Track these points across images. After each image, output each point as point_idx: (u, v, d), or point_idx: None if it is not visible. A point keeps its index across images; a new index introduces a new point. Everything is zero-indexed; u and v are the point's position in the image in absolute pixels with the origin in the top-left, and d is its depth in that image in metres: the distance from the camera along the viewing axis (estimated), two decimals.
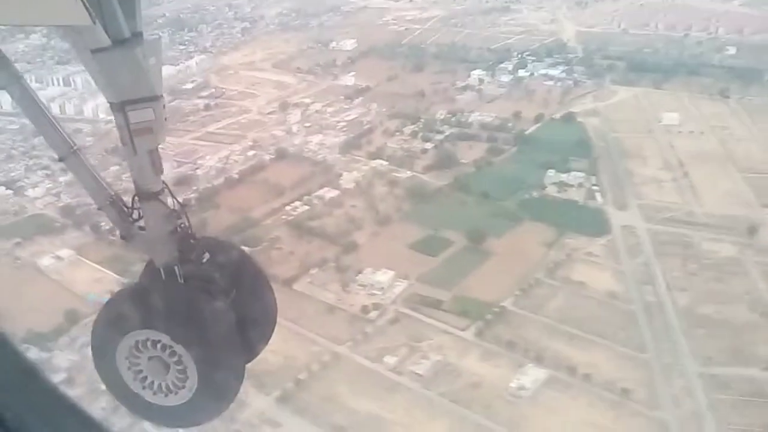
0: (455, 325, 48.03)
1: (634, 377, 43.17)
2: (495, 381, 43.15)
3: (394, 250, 57.00)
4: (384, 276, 52.64)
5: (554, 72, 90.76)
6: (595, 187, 63.80)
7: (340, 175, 70.53)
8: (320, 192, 67.31)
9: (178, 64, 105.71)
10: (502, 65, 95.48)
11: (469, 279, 52.49)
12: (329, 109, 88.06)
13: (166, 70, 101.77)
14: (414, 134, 77.79)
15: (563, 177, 64.55)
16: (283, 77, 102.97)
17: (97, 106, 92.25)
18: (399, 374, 44.32)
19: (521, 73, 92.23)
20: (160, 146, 4.70)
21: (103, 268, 57.82)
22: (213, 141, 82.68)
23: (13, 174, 75.56)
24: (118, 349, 4.73)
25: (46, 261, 59.10)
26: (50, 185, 72.93)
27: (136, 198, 4.84)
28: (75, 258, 59.55)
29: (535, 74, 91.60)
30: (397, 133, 78.26)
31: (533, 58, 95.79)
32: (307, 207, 64.86)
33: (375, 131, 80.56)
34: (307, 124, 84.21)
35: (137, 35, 4.28)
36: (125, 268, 57.04)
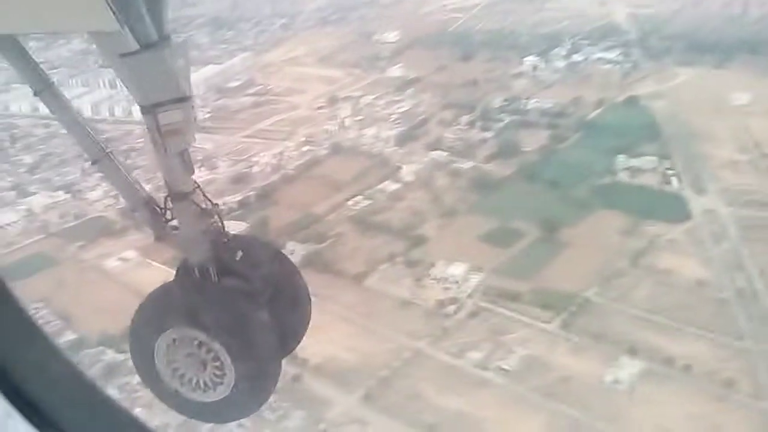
0: (538, 318, 46.16)
1: (735, 367, 40.88)
2: (587, 375, 41.22)
3: (464, 242, 55.24)
4: (458, 269, 50.94)
5: (610, 55, 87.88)
6: (669, 172, 61.18)
7: (400, 167, 68.93)
8: (381, 186, 65.80)
9: (222, 63, 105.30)
10: (554, 51, 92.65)
11: (547, 270, 50.52)
12: (380, 102, 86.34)
13: (211, 70, 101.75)
14: (471, 123, 75.82)
15: (635, 162, 62.06)
16: (329, 72, 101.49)
17: None
18: (485, 370, 42.65)
19: (576, 57, 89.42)
20: (191, 147, 4.65)
21: (169, 269, 56.77)
22: (264, 138, 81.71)
23: (69, 178, 75.42)
24: (156, 347, 4.81)
25: (111, 263, 58.66)
26: (107, 188, 72.59)
27: (169, 199, 4.86)
28: (140, 259, 58.90)
29: (591, 58, 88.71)
30: (454, 123, 76.31)
31: (587, 42, 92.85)
32: (369, 201, 63.41)
33: (430, 122, 78.75)
34: (359, 118, 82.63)
35: (165, 38, 4.26)
36: None
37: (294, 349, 5.59)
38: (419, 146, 73.52)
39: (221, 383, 4.83)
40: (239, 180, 70.92)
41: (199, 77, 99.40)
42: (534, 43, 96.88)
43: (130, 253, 59.48)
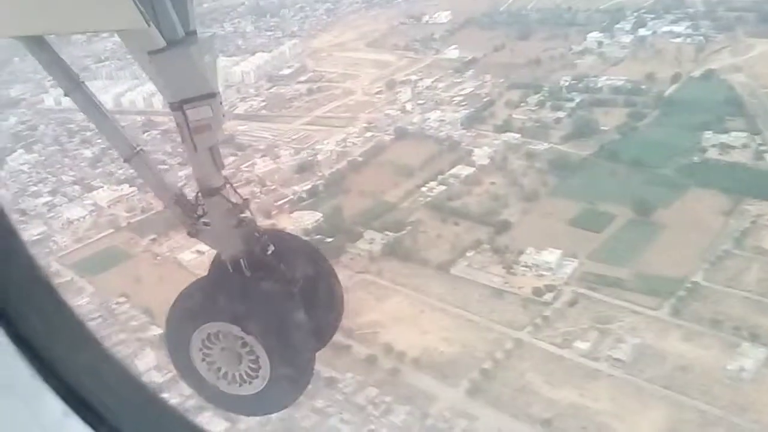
0: (645, 305, 43.82)
1: None
2: (707, 363, 38.90)
3: (552, 227, 53.02)
4: (551, 255, 48.71)
5: (679, 29, 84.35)
6: (762, 147, 58.03)
7: (471, 151, 66.72)
8: (454, 170, 63.68)
9: (271, 51, 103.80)
10: (618, 26, 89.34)
11: (646, 254, 48.10)
12: (440, 84, 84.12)
13: (261, 57, 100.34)
14: (540, 104, 73.27)
15: (723, 138, 59.04)
16: (381, 56, 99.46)
17: None
18: (595, 360, 40.50)
19: (642, 32, 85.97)
20: (220, 142, 4.72)
21: None
22: (324, 125, 79.98)
23: (131, 171, 74.25)
24: (192, 342, 4.83)
25: (187, 256, 57.35)
26: (171, 180, 71.53)
27: (200, 194, 4.83)
28: (214, 252, 57.56)
29: (658, 32, 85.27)
30: (522, 104, 73.82)
31: (651, 15, 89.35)
32: (443, 187, 61.35)
33: (496, 103, 76.37)
34: (421, 101, 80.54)
35: (191, 34, 4.33)
36: None
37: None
38: (488, 128, 71.22)
39: (257, 377, 4.83)
40: (304, 168, 69.32)
41: (249, 65, 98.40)
42: (594, 19, 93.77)
43: (205, 246, 58.04)
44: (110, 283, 55.42)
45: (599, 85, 74.47)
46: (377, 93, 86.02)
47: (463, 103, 77.29)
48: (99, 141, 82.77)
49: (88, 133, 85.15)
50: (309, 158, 71.30)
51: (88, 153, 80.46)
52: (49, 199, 70.15)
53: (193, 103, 4.44)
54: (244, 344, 4.83)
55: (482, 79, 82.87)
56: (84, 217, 66.71)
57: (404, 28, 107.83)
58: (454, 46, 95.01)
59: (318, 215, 59.09)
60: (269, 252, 5.08)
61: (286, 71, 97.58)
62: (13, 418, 2.85)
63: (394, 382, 40.47)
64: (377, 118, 78.11)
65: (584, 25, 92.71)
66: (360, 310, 47.48)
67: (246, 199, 5.13)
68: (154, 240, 60.82)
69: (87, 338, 3.49)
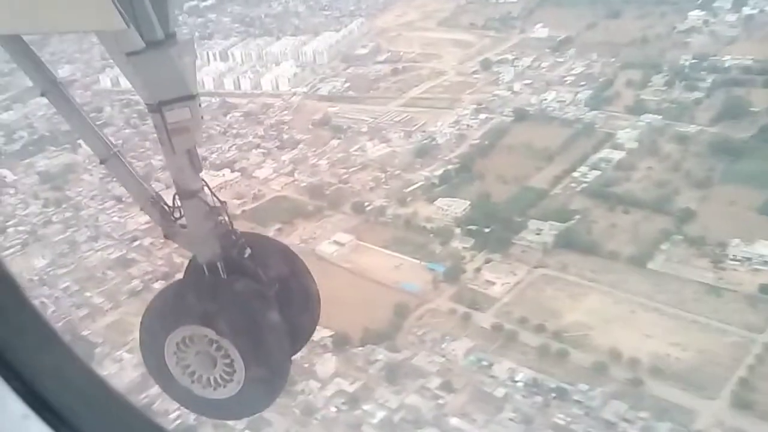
0: None
1: None
2: None
3: (741, 215, 48.23)
4: (765, 249, 43.68)
5: None
6: None
7: (612, 134, 61.54)
8: (602, 154, 58.50)
9: (339, 30, 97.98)
10: (715, 4, 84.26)
11: None
12: (543, 64, 78.91)
13: (330, 37, 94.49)
14: (669, 84, 68.16)
15: None
16: (458, 35, 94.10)
17: (276, 79, 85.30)
18: None
19: (747, 11, 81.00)
20: (199, 145, 4.59)
21: (393, 253, 50.36)
22: (424, 107, 74.53)
23: (228, 155, 68.62)
24: (166, 345, 4.75)
25: (326, 247, 51.90)
26: (275, 164, 65.88)
27: (177, 197, 4.66)
28: (355, 242, 52.14)
29: (766, 10, 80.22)
30: (649, 84, 68.57)
31: None
32: (597, 171, 56.14)
33: (615, 83, 71.22)
34: (527, 81, 75.24)
35: (170, 36, 4.19)
36: (416, 251, 49.77)
37: (304, 345, 5.34)
38: (617, 110, 66.10)
39: (231, 380, 4.69)
40: (425, 152, 63.85)
41: (320, 45, 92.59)
42: None
43: (343, 236, 52.74)
44: None
45: (727, 64, 69.34)
46: (473, 73, 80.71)
47: (581, 84, 72.08)
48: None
49: None
50: (425, 141, 65.78)
51: None
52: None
53: (171, 105, 4.21)
54: (219, 348, 4.63)
55: (588, 59, 77.73)
56: None
57: (472, 7, 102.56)
58: (539, 25, 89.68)
59: (464, 203, 53.67)
60: (246, 255, 4.86)
61: (361, 51, 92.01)
62: None
63: (639, 394, 35.35)
64: (485, 99, 72.80)
65: (674, 4, 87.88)
66: (557, 310, 42.43)
67: (223, 202, 4.70)
68: (279, 230, 55.04)
69: (50, 339, 3.38)
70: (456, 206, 53.18)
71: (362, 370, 39.97)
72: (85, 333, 46.24)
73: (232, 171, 65.49)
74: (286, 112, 77.52)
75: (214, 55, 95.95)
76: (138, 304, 47.59)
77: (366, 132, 69.89)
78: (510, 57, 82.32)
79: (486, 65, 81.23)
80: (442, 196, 56.17)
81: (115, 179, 4.80)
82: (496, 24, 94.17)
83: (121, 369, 42.15)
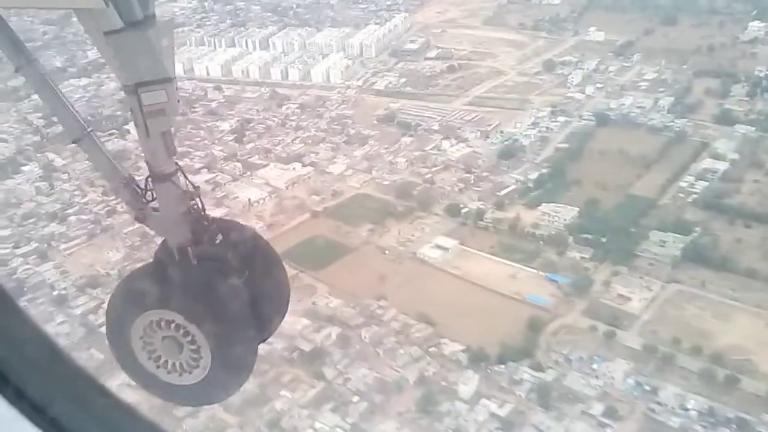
0: None
1: None
2: None
3: None
4: None
5: None
6: None
7: (707, 143, 59.34)
8: (705, 164, 56.15)
9: (384, 24, 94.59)
10: None
11: None
12: (610, 68, 76.53)
13: (378, 31, 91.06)
14: (750, 95, 66.39)
15: None
16: (508, 35, 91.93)
17: (328, 71, 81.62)
18: None
19: None
20: (174, 128, 4.54)
21: (504, 260, 47.30)
22: (491, 106, 71.80)
23: (293, 148, 64.79)
24: (133, 329, 4.70)
25: (428, 251, 48.64)
26: (348, 160, 62.28)
27: (150, 180, 4.63)
28: (459, 247, 48.95)
29: None
30: (730, 94, 66.74)
31: None
32: (704, 182, 53.78)
33: (692, 91, 69.14)
34: (598, 85, 72.88)
35: (150, 17, 4.22)
36: (528, 260, 46.82)
37: (272, 333, 5.32)
38: (703, 118, 63.97)
39: (197, 366, 4.64)
40: (508, 154, 60.91)
41: (368, 38, 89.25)
42: (733, 8, 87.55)
43: (445, 240, 49.55)
44: (343, 281, 46.17)
45: None
46: (536, 74, 78.13)
47: (659, 90, 69.91)
48: (230, 113, 73.12)
49: (213, 104, 75.29)
50: (507, 143, 62.85)
51: (225, 126, 70.24)
52: (210, 176, 59.91)
53: (148, 87, 4.19)
54: (186, 333, 4.57)
55: (656, 65, 75.57)
56: (263, 199, 56.91)
57: (515, 7, 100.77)
58: (593, 28, 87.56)
59: (572, 210, 50.83)
60: (217, 241, 4.79)
61: (411, 46, 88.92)
62: None
63: None
64: (557, 102, 70.30)
65: (729, 14, 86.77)
66: (707, 331, 39.76)
67: (197, 186, 4.68)
68: (372, 231, 51.58)
69: (33, 338, 3.33)
70: (564, 213, 50.22)
71: (507, 391, 36.81)
72: None
73: (303, 165, 61.73)
74: (344, 105, 73.92)
75: (253, 43, 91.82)
76: None
77: (438, 130, 66.74)
78: (572, 59, 79.81)
79: (549, 66, 78.76)
80: (539, 200, 53.27)
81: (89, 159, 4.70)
82: (546, 25, 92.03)
83: None
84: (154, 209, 4.67)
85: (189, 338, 4.58)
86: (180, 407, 28.80)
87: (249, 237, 5.25)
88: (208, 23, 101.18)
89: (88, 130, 4.63)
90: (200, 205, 4.69)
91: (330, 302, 43.82)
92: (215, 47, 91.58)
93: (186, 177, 4.57)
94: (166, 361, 4.68)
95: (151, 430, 3.56)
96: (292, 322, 41.83)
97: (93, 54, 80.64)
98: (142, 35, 4.06)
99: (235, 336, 4.72)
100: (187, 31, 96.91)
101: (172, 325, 4.58)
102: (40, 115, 70.31)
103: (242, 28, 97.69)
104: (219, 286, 4.76)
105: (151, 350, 4.69)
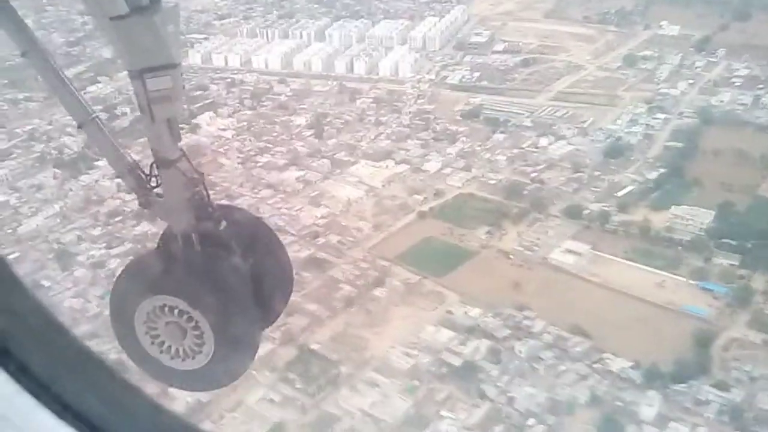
0: None
1: None
2: None
3: None
4: None
5: None
6: None
7: None
8: None
9: (443, 17, 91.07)
10: None
11: None
12: (696, 63, 73.17)
13: (440, 23, 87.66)
14: None
15: None
16: (574, 28, 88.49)
17: (396, 64, 78.09)
18: None
19: None
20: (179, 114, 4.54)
21: (645, 267, 43.93)
22: (579, 102, 68.55)
23: (380, 145, 61.30)
24: (136, 315, 4.75)
25: (560, 257, 45.23)
26: (442, 158, 58.73)
27: (155, 166, 4.65)
28: (592, 253, 45.57)
29: None
30: None
31: None
32: None
33: None
34: (690, 81, 69.57)
35: (155, 2, 4.21)
36: (671, 266, 43.46)
37: (275, 320, 5.35)
38: None
39: (200, 352, 4.67)
40: (615, 152, 57.58)
41: (430, 31, 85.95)
42: None
43: (575, 245, 46.14)
44: (472, 288, 42.79)
45: None
46: (617, 69, 74.83)
47: (758, 87, 66.59)
48: (303, 108, 69.54)
49: (282, 98, 71.70)
50: (610, 140, 59.55)
51: (300, 120, 66.66)
52: (299, 173, 56.40)
53: (153, 73, 4.21)
54: (190, 319, 4.60)
55: (744, 60, 72.36)
56: (362, 199, 53.40)
57: (573, 0, 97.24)
58: (665, 22, 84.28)
59: (709, 213, 47.50)
60: (221, 227, 4.82)
61: (477, 39, 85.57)
62: None
63: None
64: (650, 98, 67.07)
65: None
66: None
67: (201, 173, 4.69)
68: (489, 233, 48.16)
69: (53, 329, 3.34)
70: (700, 216, 46.86)
71: (694, 413, 33.42)
72: (313, 346, 38.77)
73: (396, 163, 58.22)
74: (421, 100, 70.43)
75: (308, 35, 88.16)
76: (361, 314, 40.46)
77: (531, 127, 63.32)
78: (651, 54, 76.59)
79: (630, 61, 75.45)
80: (664, 202, 49.97)
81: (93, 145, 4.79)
82: (614, 18, 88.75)
83: (385, 396, 34.85)
84: (159, 195, 4.68)
85: (192, 324, 4.56)
86: None
87: (253, 224, 5.36)
88: (253, 14, 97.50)
89: (93, 115, 4.66)
90: (205, 192, 4.69)
91: (468, 311, 40.36)
92: (268, 39, 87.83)
93: (191, 163, 4.54)
94: (170, 347, 4.66)
95: (155, 409, 3.38)
96: (432, 332, 38.58)
97: None
98: (148, 20, 4.06)
99: (239, 322, 4.71)
100: (234, 22, 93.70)
101: (176, 311, 4.58)
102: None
103: (291, 20, 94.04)
104: (223, 273, 4.75)
105: (154, 335, 4.67)
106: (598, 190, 52.19)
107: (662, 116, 62.90)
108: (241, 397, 35.62)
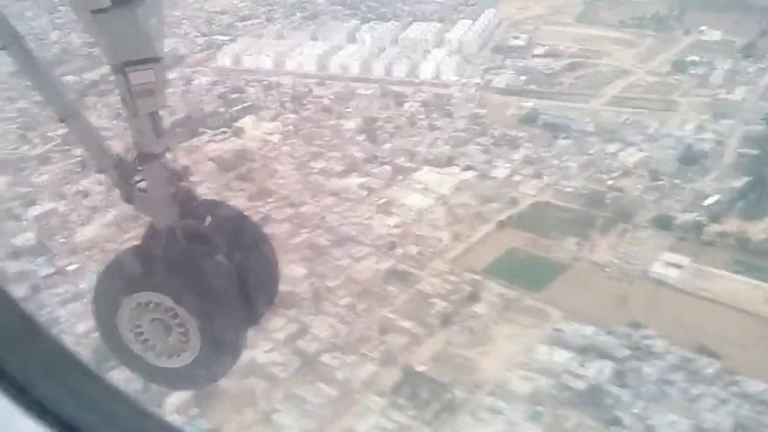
0: None
1: None
2: None
3: None
4: None
5: None
6: None
7: None
8: None
9: (476, 20, 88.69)
10: None
11: None
12: (749, 69, 71.55)
13: (475, 26, 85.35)
14: None
15: None
16: (609, 32, 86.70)
17: (438, 67, 75.49)
18: None
19: None
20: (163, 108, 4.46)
21: (758, 281, 41.44)
22: (636, 107, 66.52)
23: (440, 150, 58.65)
24: (120, 311, 4.62)
25: (661, 270, 42.64)
26: (509, 165, 56.02)
27: (138, 160, 4.64)
28: (694, 266, 43.06)
29: None
30: None
31: None
32: None
33: None
34: (748, 87, 67.75)
35: None
36: None
37: (262, 316, 5.20)
38: None
39: (185, 350, 4.61)
40: (689, 159, 55.32)
41: (468, 34, 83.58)
42: None
43: (675, 257, 43.58)
44: (574, 304, 40.04)
45: None
46: (667, 73, 72.93)
47: None
48: (349, 111, 66.57)
49: (325, 101, 68.71)
50: (680, 147, 57.29)
51: (350, 125, 63.71)
52: (360, 180, 53.42)
53: (135, 66, 4.23)
54: (175, 316, 4.56)
55: None
56: (432, 207, 50.51)
57: (603, 4, 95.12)
58: (705, 27, 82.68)
59: None
60: (206, 222, 4.82)
61: (515, 42, 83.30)
62: None
63: None
64: (709, 104, 65.04)
65: None
66: None
67: (186, 167, 4.70)
68: (579, 245, 45.47)
69: (32, 332, 3.21)
70: None
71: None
72: (418, 368, 35.70)
73: (462, 169, 55.42)
74: (472, 105, 67.81)
75: (339, 37, 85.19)
76: (461, 332, 37.58)
77: (594, 132, 60.87)
78: (699, 59, 74.76)
79: (680, 66, 73.51)
80: (755, 212, 47.71)
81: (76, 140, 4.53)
82: (650, 23, 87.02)
83: (511, 425, 31.89)
84: (142, 190, 4.60)
85: (177, 321, 4.46)
86: None
87: (238, 219, 5.23)
88: (276, 16, 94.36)
89: (76, 109, 4.51)
90: (189, 186, 4.58)
91: (578, 329, 37.53)
92: (299, 41, 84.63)
93: (175, 157, 4.45)
94: (154, 344, 4.55)
95: (135, 410, 3.33)
96: (546, 352, 35.72)
97: (171, 44, 73.67)
98: (130, 14, 4.01)
99: (225, 319, 4.59)
100: (257, 24, 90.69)
101: (160, 308, 4.48)
102: None
103: (316, 22, 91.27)
104: (207, 268, 4.64)
105: (138, 333, 4.55)
106: (682, 199, 49.73)
107: (727, 122, 60.80)
108: (350, 424, 32.46)
